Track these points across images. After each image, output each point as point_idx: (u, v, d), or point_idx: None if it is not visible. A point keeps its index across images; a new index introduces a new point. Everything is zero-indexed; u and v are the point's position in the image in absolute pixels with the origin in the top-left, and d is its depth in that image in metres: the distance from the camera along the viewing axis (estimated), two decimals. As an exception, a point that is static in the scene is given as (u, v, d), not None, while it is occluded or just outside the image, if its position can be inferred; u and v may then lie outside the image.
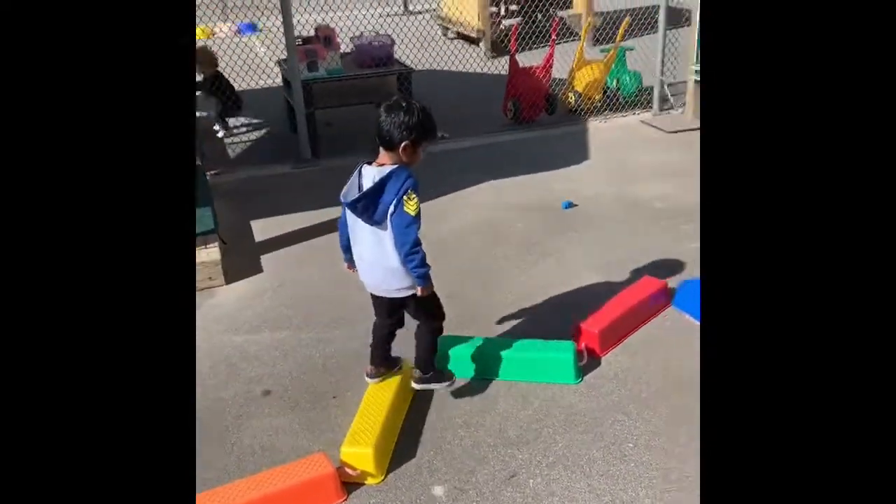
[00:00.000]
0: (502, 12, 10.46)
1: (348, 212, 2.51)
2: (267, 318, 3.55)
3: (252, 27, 12.24)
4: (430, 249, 4.08)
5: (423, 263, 2.46)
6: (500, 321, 3.39)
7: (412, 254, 2.43)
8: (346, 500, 2.41)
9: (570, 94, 6.52)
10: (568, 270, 3.80)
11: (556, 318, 3.35)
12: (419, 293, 2.53)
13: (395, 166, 2.41)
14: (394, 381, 2.81)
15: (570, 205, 4.59)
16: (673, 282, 3.52)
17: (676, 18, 6.92)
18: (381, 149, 2.45)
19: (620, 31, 6.38)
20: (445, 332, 3.22)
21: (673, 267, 3.75)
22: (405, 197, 2.38)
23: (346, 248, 2.67)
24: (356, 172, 2.49)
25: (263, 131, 6.81)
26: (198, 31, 12.55)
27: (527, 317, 3.42)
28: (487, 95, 7.12)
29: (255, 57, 9.83)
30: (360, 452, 2.46)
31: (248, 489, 2.32)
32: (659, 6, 6.38)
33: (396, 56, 6.26)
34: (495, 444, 2.63)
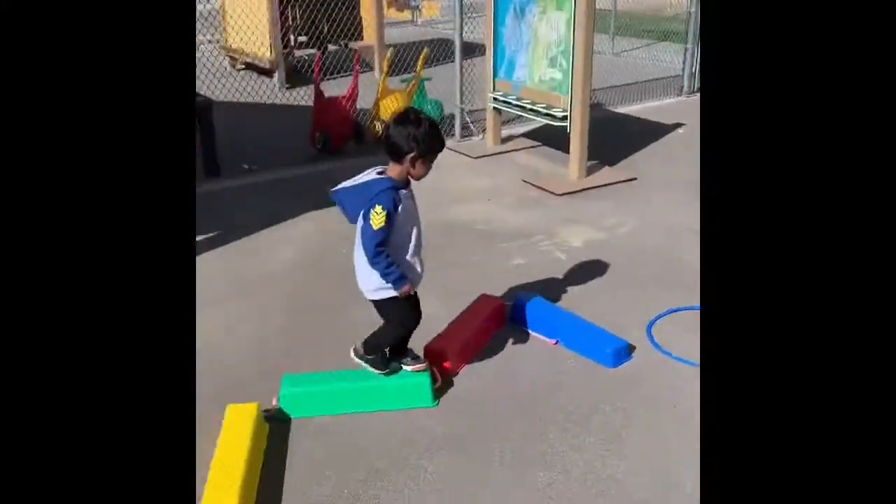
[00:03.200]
0: (291, 43, 10.35)
1: None
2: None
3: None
4: (254, 288, 3.87)
5: (388, 269, 2.58)
6: (337, 348, 3.28)
7: (374, 263, 2.58)
8: (211, 566, 2.18)
9: (377, 123, 6.58)
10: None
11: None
12: (399, 295, 2.66)
13: (381, 177, 2.58)
14: (249, 427, 2.60)
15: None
16: (507, 298, 3.66)
17: (469, 50, 7.29)
18: (390, 161, 2.61)
19: (420, 61, 6.58)
20: (292, 372, 3.07)
21: (503, 285, 3.90)
22: (372, 210, 2.50)
23: None
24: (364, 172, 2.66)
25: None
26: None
27: (372, 346, 3.35)
28: (289, 126, 6.97)
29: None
30: (222, 512, 2.24)
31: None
32: (452, 40, 6.69)
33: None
34: (365, 478, 2.53)
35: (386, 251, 2.56)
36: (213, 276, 4.06)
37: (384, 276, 2.59)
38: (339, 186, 2.66)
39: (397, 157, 2.57)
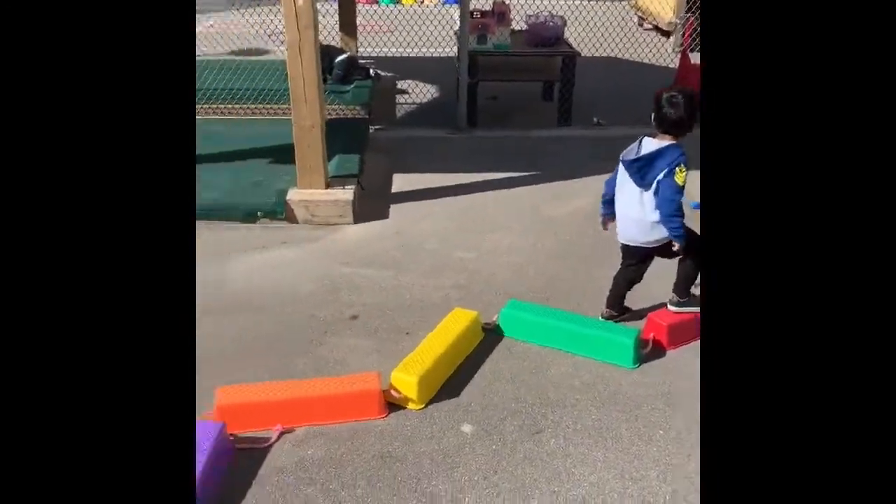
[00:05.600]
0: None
1: (620, 172, 3.05)
2: (377, 257, 3.94)
3: (458, -1, 12.74)
4: (539, 227, 4.25)
5: (679, 224, 2.92)
6: (588, 298, 3.51)
7: (674, 216, 2.90)
8: (384, 417, 2.73)
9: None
10: (672, 263, 3.80)
11: (642, 304, 3.41)
12: (675, 248, 3.00)
13: (672, 142, 2.93)
14: (461, 327, 3.06)
15: (699, 205, 4.52)
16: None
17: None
18: (658, 131, 2.97)
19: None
20: (526, 300, 3.42)
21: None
22: (677, 168, 2.87)
23: (607, 203, 3.20)
24: (637, 141, 3.02)
25: (434, 97, 7.23)
26: (408, -4, 13.25)
27: (609, 300, 3.51)
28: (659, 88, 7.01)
29: (454, 26, 10.30)
30: (407, 379, 2.76)
31: (303, 388, 2.71)
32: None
33: (569, 39, 6.37)
34: (534, 402, 2.81)
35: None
36: (513, 210, 4.56)
37: (674, 229, 2.90)
38: (631, 155, 2.97)
39: (681, 131, 2.94)
